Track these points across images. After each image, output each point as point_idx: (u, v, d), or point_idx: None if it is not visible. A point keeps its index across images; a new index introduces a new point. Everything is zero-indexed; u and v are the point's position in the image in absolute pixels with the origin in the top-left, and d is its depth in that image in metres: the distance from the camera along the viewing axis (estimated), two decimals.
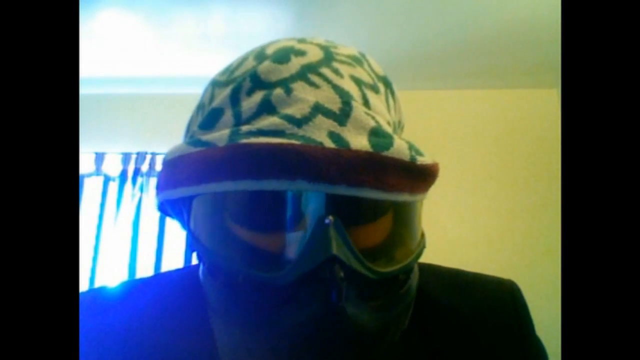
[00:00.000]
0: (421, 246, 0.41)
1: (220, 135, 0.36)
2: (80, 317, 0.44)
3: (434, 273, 0.48)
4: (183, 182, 0.38)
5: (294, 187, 0.33)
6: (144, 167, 2.50)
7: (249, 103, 0.37)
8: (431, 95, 2.43)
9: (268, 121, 0.35)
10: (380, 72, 0.43)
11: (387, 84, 0.43)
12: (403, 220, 0.40)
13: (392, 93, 0.43)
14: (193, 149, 0.37)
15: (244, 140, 0.34)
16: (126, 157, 2.52)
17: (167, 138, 2.50)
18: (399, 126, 0.44)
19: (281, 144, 0.33)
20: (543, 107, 2.37)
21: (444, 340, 0.45)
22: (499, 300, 0.48)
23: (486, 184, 2.32)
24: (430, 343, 0.45)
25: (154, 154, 2.51)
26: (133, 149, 2.53)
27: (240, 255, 0.37)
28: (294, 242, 0.35)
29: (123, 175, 2.49)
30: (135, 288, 0.49)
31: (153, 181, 2.50)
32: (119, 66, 2.35)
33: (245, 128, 0.35)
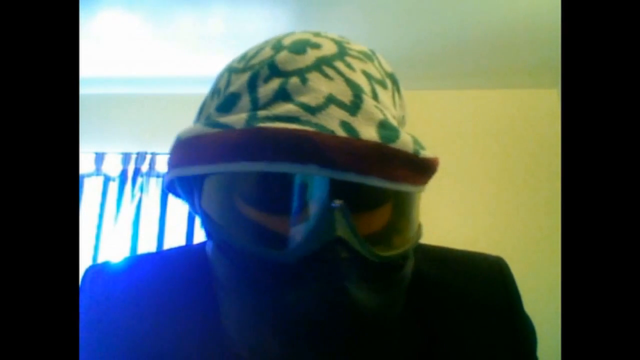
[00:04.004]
0: (418, 236, 0.43)
1: (237, 119, 0.37)
2: (84, 287, 0.47)
3: (422, 250, 0.49)
4: (198, 160, 0.39)
5: (306, 171, 0.35)
6: (144, 167, 2.49)
7: (266, 90, 0.39)
8: (431, 95, 2.43)
9: (284, 108, 0.36)
10: (388, 69, 0.45)
11: (394, 81, 0.45)
12: (402, 209, 0.42)
13: (398, 90, 0.45)
14: (210, 130, 0.39)
15: (261, 125, 0.36)
16: (126, 157, 2.51)
17: (167, 138, 2.51)
18: (402, 122, 0.46)
19: (296, 130, 0.35)
20: (543, 107, 2.37)
21: (434, 315, 0.46)
22: (487, 276, 0.50)
23: (486, 184, 2.32)
24: (422, 318, 0.46)
25: (154, 154, 2.51)
26: (133, 149, 2.52)
27: (249, 233, 0.39)
28: (301, 223, 0.37)
29: (123, 175, 2.49)
30: (138, 262, 0.51)
31: (153, 181, 2.50)
32: (119, 66, 2.35)
33: (262, 113, 0.37)
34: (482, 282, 0.49)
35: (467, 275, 0.50)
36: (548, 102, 2.37)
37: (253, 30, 1.97)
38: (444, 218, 2.25)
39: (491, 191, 2.31)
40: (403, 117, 0.46)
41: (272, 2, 1.80)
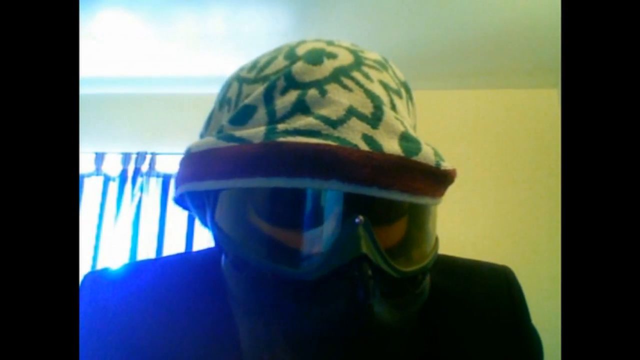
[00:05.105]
0: (435, 249, 0.42)
1: (255, 132, 0.36)
2: (83, 294, 0.45)
3: None
4: (213, 175, 0.38)
5: (328, 187, 0.34)
6: (144, 167, 2.49)
7: (283, 102, 0.38)
8: (431, 95, 2.43)
9: (304, 121, 0.35)
10: (402, 77, 0.44)
11: (407, 89, 0.44)
12: (421, 222, 0.41)
13: (411, 98, 0.44)
14: (226, 144, 0.38)
15: (282, 139, 0.35)
16: (126, 157, 2.51)
17: (167, 138, 2.50)
18: (414, 129, 0.45)
19: (318, 145, 0.34)
20: (543, 107, 2.37)
21: (439, 324, 0.46)
22: (493, 285, 0.49)
23: (486, 184, 2.32)
24: (426, 326, 0.45)
25: (154, 154, 2.51)
26: (133, 149, 2.52)
27: (268, 250, 0.38)
28: (324, 240, 0.36)
29: (123, 175, 2.49)
30: (137, 268, 0.50)
31: (153, 181, 2.50)
32: (119, 66, 2.35)
33: (281, 127, 0.36)
34: (487, 292, 0.48)
35: (472, 284, 0.49)
36: (548, 102, 2.37)
37: (253, 30, 1.97)
38: (443, 218, 2.24)
39: (491, 191, 2.31)
40: (415, 124, 0.45)
41: (272, 2, 1.80)
